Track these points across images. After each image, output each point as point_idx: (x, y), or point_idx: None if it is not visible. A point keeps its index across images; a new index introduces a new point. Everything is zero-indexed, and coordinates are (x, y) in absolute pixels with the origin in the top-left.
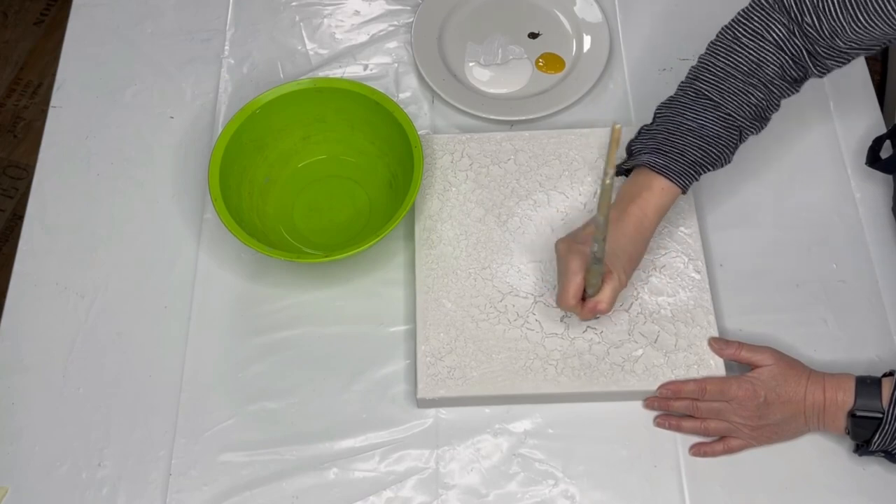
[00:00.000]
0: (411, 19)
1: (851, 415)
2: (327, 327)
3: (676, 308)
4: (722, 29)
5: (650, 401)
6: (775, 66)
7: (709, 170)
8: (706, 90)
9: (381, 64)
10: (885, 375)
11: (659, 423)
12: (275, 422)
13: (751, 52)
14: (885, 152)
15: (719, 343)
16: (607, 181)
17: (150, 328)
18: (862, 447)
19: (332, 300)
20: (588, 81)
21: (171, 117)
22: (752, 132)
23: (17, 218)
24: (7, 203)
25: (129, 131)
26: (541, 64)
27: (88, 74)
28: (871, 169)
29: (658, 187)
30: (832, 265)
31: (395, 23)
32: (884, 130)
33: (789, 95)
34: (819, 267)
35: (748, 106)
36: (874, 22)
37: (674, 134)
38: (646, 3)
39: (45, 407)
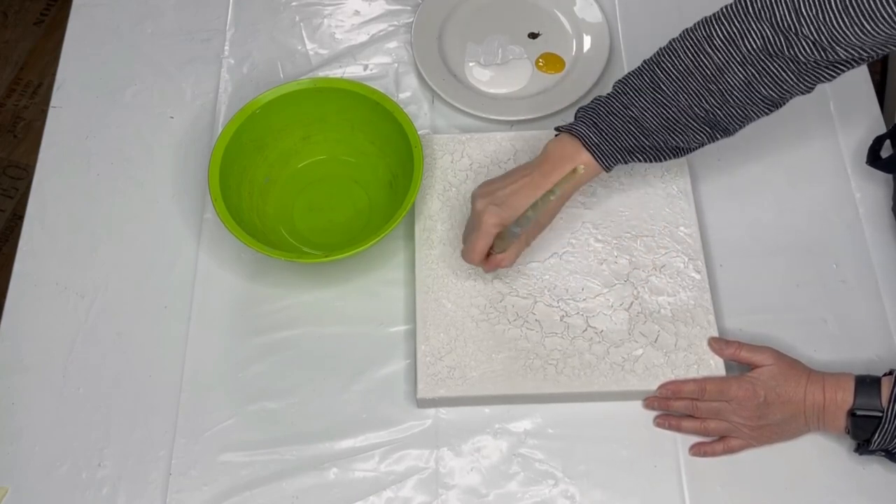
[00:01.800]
0: (411, 19)
1: (851, 414)
2: (327, 327)
3: (676, 308)
4: (701, 20)
5: (650, 401)
6: (739, 77)
7: (639, 160)
8: (663, 83)
9: (381, 64)
10: (885, 375)
11: (659, 422)
12: (275, 422)
13: (719, 55)
14: (886, 152)
15: (719, 343)
16: (551, 197)
17: (150, 328)
18: (862, 446)
19: (332, 300)
20: (588, 81)
21: (171, 117)
22: (700, 137)
23: (17, 218)
24: (7, 203)
25: (129, 131)
26: (541, 64)
27: (88, 74)
28: (871, 169)
29: (582, 162)
30: (832, 265)
31: (395, 23)
32: (884, 130)
33: (759, 116)
34: (819, 267)
35: (699, 109)
36: (880, 27)
37: (615, 116)
38: (646, 3)
39: (45, 407)
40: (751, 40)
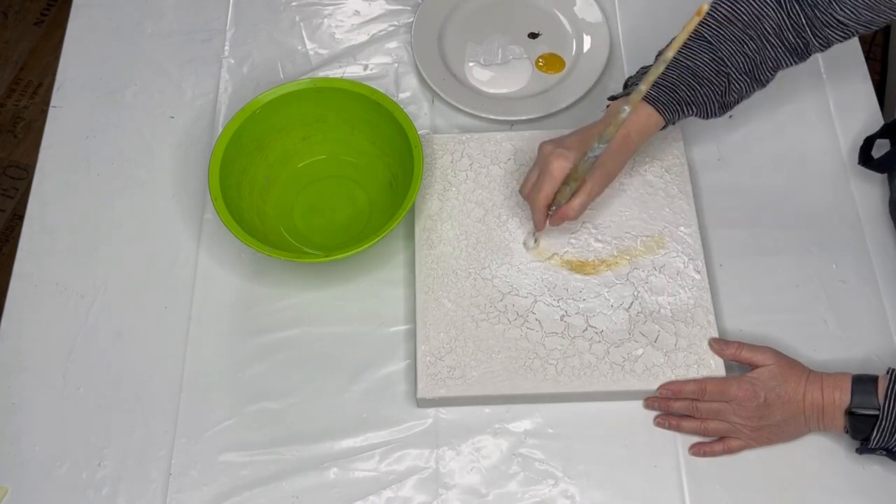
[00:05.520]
0: (411, 19)
1: (849, 413)
2: (327, 327)
3: (676, 308)
4: None
5: (650, 401)
6: (773, 23)
7: (693, 112)
8: (705, 32)
9: (381, 64)
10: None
11: (659, 422)
12: (275, 422)
13: (753, 4)
14: (878, 152)
15: (719, 343)
16: (669, 53)
17: (150, 328)
18: (862, 445)
19: (332, 300)
20: (588, 81)
21: (171, 117)
22: (740, 86)
23: (17, 218)
24: (7, 203)
25: (129, 131)
26: (541, 64)
27: (88, 74)
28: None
29: (645, 112)
30: (832, 265)
31: (395, 23)
32: None
33: (788, 65)
34: (819, 267)
35: (742, 55)
36: None
37: (670, 69)
38: (646, 3)
39: (45, 407)
40: None
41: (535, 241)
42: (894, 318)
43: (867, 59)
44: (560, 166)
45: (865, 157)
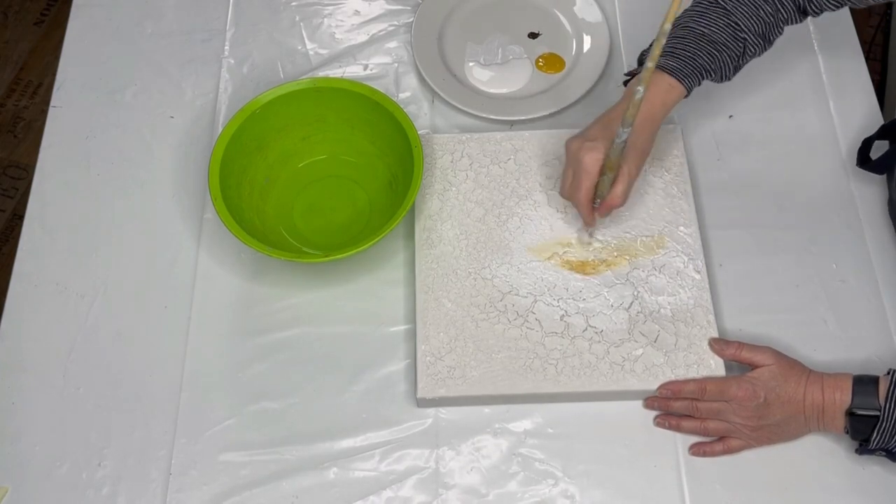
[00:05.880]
0: (411, 19)
1: (849, 414)
2: (327, 327)
3: (676, 308)
4: None
5: (650, 401)
6: None
7: (712, 77)
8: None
9: (381, 64)
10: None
11: (658, 422)
12: (275, 422)
13: None
14: (876, 153)
15: (720, 343)
16: (666, 25)
17: (150, 328)
18: (862, 446)
19: (332, 300)
20: (588, 81)
21: (171, 117)
22: (754, 50)
23: (17, 218)
24: (7, 203)
25: (129, 131)
26: (541, 64)
27: (88, 74)
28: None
29: (666, 83)
30: (832, 265)
31: (395, 23)
32: None
33: (794, 22)
34: (819, 267)
35: (756, 18)
36: None
37: (685, 38)
38: (646, 3)
39: (45, 407)
40: None
41: (590, 234)
42: (894, 318)
43: (867, 59)
44: (593, 159)
45: (864, 158)
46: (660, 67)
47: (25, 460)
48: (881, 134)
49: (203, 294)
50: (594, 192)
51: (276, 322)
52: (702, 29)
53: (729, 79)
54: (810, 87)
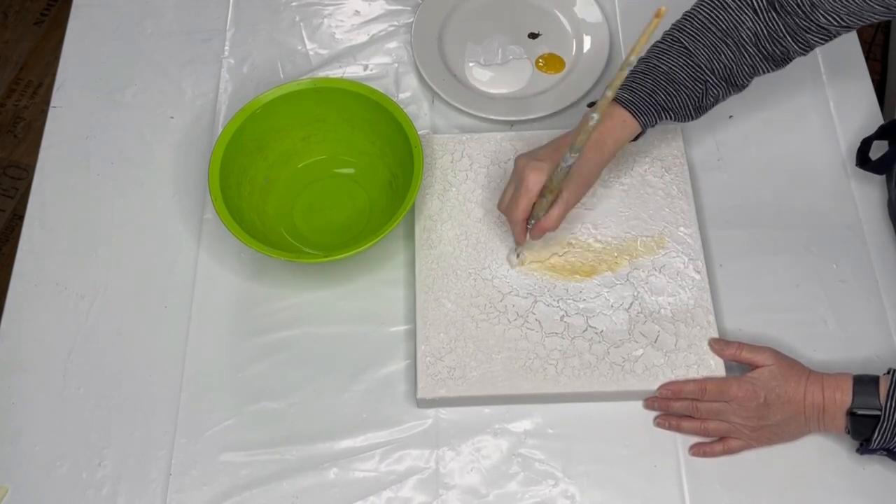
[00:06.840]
0: (411, 19)
1: (850, 413)
2: (327, 327)
3: (676, 308)
4: None
5: (650, 401)
6: (750, 31)
7: (670, 117)
8: (683, 38)
9: (381, 64)
10: (884, 375)
11: (659, 422)
12: (275, 422)
13: (732, 13)
14: (875, 154)
15: (720, 344)
16: (632, 57)
17: (150, 328)
18: (863, 446)
19: (332, 300)
20: (588, 81)
21: (171, 117)
22: (717, 91)
23: (17, 218)
24: (7, 203)
25: (129, 131)
26: (541, 64)
27: (88, 74)
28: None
29: (620, 118)
30: (832, 265)
31: (395, 23)
32: None
33: (765, 72)
34: (819, 267)
35: (718, 62)
36: None
37: (645, 74)
38: (646, 3)
39: (45, 407)
40: (757, 1)
41: (518, 255)
42: (894, 318)
43: (867, 59)
44: (535, 179)
45: (863, 158)
46: (617, 100)
47: (25, 460)
48: (880, 134)
49: (203, 294)
50: (531, 212)
51: (276, 322)
52: (663, 67)
53: (692, 118)
54: (810, 88)
